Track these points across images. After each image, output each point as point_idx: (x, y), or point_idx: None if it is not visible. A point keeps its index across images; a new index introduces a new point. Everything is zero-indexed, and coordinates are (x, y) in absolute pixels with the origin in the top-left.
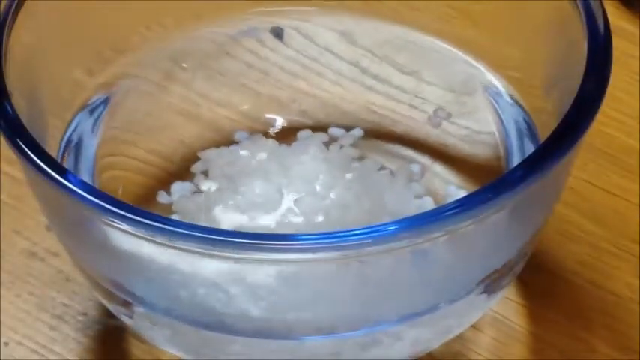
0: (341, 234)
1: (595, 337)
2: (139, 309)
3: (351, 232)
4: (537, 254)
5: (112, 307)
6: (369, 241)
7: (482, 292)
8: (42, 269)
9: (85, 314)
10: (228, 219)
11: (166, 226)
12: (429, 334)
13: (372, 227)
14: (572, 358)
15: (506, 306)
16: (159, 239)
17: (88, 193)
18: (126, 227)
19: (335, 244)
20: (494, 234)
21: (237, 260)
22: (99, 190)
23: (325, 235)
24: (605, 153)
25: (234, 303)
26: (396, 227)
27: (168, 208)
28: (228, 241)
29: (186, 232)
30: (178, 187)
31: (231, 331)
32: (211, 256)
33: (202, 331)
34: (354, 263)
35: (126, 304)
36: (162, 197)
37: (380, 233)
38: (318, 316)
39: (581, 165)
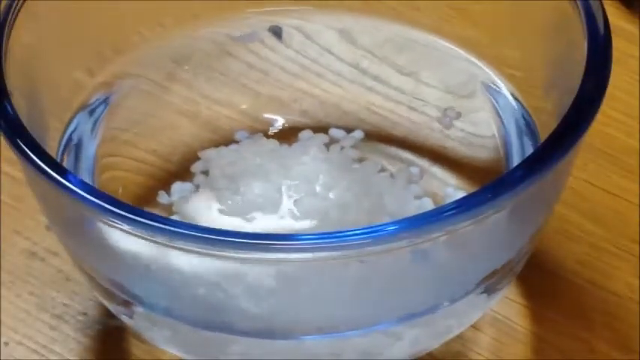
0: (341, 234)
1: (595, 337)
2: (139, 309)
3: (351, 232)
4: (537, 254)
5: (112, 307)
6: (369, 241)
7: (482, 292)
8: (42, 269)
9: (85, 314)
10: (228, 219)
11: (166, 226)
12: (429, 334)
13: (372, 227)
14: (573, 358)
15: (506, 306)
16: (159, 239)
17: (88, 193)
18: (126, 227)
19: (335, 244)
20: (494, 234)
21: (237, 260)
22: (99, 190)
23: (325, 235)
24: (605, 153)
25: (234, 303)
26: (396, 227)
27: (169, 208)
28: (228, 241)
29: (186, 232)
30: (178, 187)
31: (231, 331)
32: (211, 256)
33: (202, 331)
34: (354, 263)
35: (126, 304)
36: (162, 197)
37: (380, 233)
38: (318, 316)
39: (581, 165)
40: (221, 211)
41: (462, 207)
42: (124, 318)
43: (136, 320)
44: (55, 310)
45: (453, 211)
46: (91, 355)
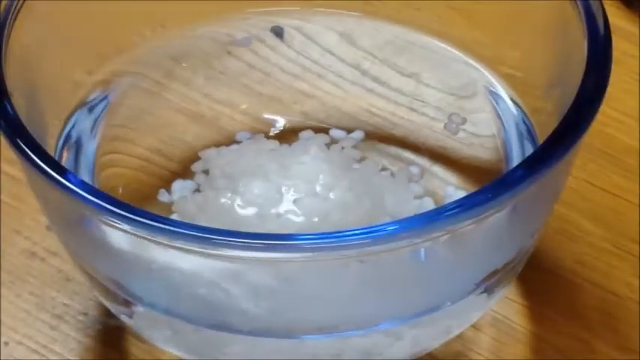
0: (341, 234)
1: (595, 337)
2: (138, 309)
3: (351, 232)
4: (537, 254)
5: (112, 307)
6: (369, 241)
7: (482, 292)
8: (42, 269)
9: (85, 314)
10: (228, 219)
11: (166, 226)
12: (429, 334)
13: (372, 227)
14: (572, 358)
15: (506, 306)
16: (159, 239)
17: (87, 193)
18: (126, 227)
19: (335, 244)
20: (494, 234)
21: (237, 260)
22: (99, 189)
23: (325, 235)
24: (605, 153)
25: (234, 303)
26: (396, 227)
27: (169, 206)
28: (228, 241)
29: (186, 232)
30: (179, 186)
31: (231, 331)
32: (211, 256)
33: (202, 331)
34: (354, 263)
35: (126, 303)
36: (162, 196)
37: (380, 233)
38: (318, 315)
39: (581, 165)
40: (221, 211)
41: (462, 207)
42: (124, 318)
43: (136, 320)
44: (55, 310)
45: (453, 211)
46: (91, 355)
